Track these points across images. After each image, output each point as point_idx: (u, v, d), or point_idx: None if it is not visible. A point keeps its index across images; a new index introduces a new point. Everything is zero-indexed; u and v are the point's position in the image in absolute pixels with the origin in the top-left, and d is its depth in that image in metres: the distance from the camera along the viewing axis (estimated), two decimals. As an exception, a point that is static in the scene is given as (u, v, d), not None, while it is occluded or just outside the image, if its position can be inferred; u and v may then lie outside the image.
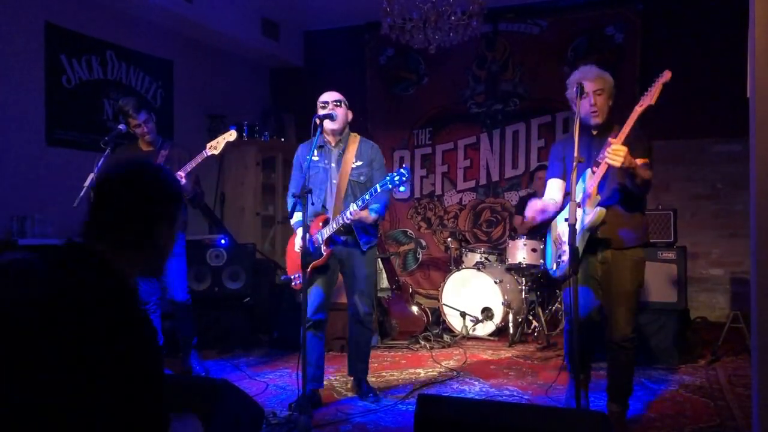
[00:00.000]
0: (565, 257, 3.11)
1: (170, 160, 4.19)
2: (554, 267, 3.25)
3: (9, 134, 4.87)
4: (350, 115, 3.72)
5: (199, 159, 3.99)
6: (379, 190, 3.35)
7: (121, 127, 4.06)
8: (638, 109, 2.93)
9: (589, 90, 3.07)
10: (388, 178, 3.33)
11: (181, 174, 3.93)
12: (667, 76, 2.88)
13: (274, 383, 4.22)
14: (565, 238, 3.10)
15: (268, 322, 5.77)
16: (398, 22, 5.01)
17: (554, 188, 3.35)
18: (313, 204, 3.48)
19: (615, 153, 2.85)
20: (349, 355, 3.91)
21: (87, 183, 3.77)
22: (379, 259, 5.81)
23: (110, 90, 5.74)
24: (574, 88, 3.04)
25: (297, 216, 3.57)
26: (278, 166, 7.27)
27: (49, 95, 5.19)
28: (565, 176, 3.32)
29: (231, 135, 4.04)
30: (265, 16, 7.05)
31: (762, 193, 2.27)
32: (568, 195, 3.17)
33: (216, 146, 4.02)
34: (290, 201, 3.69)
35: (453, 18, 4.85)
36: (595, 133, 3.17)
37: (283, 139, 7.42)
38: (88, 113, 5.54)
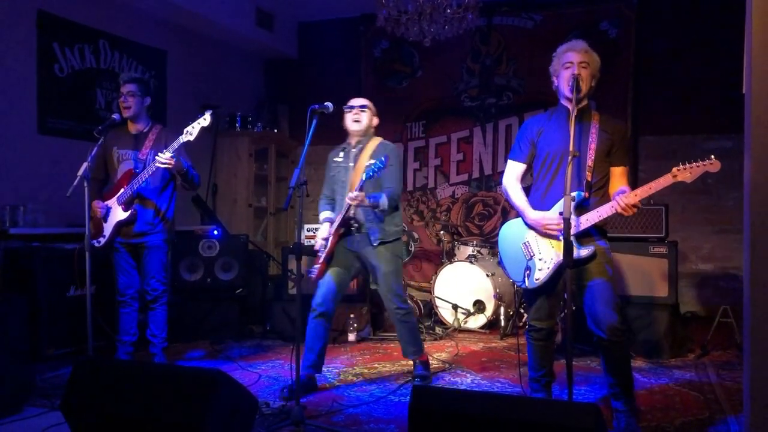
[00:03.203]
0: (539, 273, 3.02)
1: (158, 142, 4.17)
2: (525, 281, 3.08)
3: (0, 123, 4.83)
4: (375, 121, 3.94)
5: (176, 145, 3.91)
6: (364, 178, 3.53)
7: (115, 116, 4.02)
8: (670, 179, 2.87)
9: (574, 60, 2.99)
10: (370, 167, 3.49)
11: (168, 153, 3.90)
12: (716, 166, 2.80)
13: (266, 374, 4.23)
14: (534, 247, 3.06)
15: (261, 314, 5.78)
16: (393, 14, 5.00)
17: (517, 174, 3.22)
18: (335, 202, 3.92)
19: (629, 208, 2.88)
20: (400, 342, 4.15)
21: (80, 172, 3.73)
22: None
23: (103, 79, 5.70)
24: (561, 61, 3.03)
25: (323, 214, 3.95)
26: (271, 158, 7.26)
27: (41, 84, 5.14)
28: (530, 161, 3.19)
29: (205, 120, 3.89)
30: (260, 7, 7.01)
31: (756, 189, 2.29)
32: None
33: (191, 131, 3.90)
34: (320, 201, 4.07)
35: (449, 11, 4.84)
36: (573, 114, 2.99)
37: (276, 131, 7.40)
38: (81, 102, 5.50)
